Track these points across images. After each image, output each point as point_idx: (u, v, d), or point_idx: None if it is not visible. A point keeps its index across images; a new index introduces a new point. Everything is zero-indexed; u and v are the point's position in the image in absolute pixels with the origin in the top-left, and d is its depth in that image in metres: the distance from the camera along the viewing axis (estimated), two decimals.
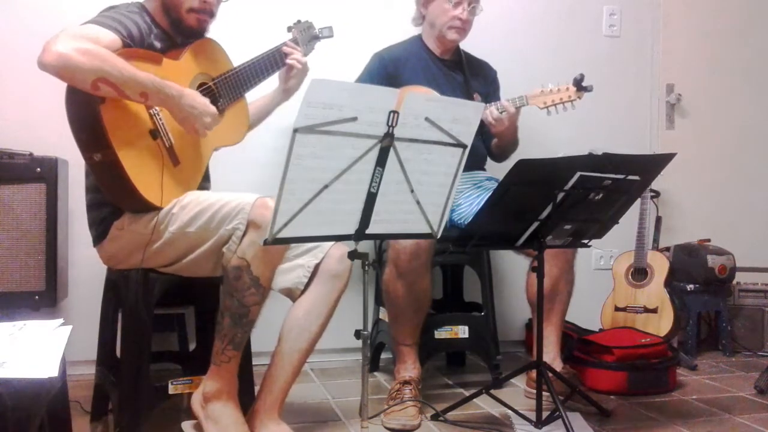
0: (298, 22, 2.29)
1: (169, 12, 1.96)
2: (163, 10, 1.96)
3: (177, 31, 1.99)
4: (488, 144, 2.66)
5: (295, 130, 1.37)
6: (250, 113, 2.16)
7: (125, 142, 1.76)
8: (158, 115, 1.84)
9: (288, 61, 2.18)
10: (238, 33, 2.39)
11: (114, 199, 1.86)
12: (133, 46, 1.82)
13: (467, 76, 2.64)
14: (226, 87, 2.03)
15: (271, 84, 2.27)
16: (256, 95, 2.27)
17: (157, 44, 1.92)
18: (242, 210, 1.76)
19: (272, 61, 2.15)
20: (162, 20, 1.97)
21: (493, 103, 2.45)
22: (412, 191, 1.60)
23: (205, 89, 1.97)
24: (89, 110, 1.73)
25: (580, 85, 2.38)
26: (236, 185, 2.17)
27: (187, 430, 1.86)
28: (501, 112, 2.41)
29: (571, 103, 2.40)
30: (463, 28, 2.57)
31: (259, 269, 1.74)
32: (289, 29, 2.26)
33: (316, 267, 1.91)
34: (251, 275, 1.74)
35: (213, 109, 1.88)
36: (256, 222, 1.74)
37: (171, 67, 1.89)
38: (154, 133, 1.83)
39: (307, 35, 2.28)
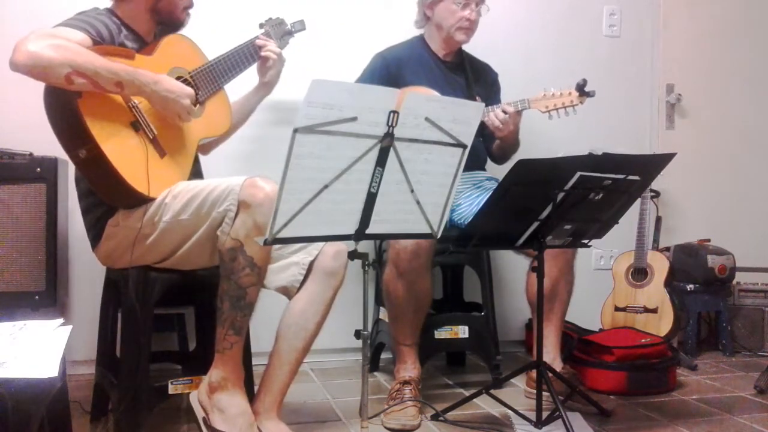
0: (270, 18, 2.33)
1: (160, 14, 2.02)
2: (149, 13, 2.00)
3: (166, 28, 2.05)
4: (489, 146, 2.66)
5: (295, 130, 1.37)
6: (233, 111, 2.19)
7: (107, 135, 1.77)
8: (137, 107, 1.86)
9: (262, 53, 2.23)
10: (214, 32, 2.40)
11: (105, 196, 1.87)
12: (103, 44, 1.84)
13: (469, 78, 2.64)
14: (203, 79, 2.05)
15: (251, 82, 2.30)
16: (237, 94, 2.29)
17: (129, 44, 1.95)
18: (232, 191, 1.77)
19: (247, 54, 2.19)
20: (135, 23, 1.99)
21: (496, 106, 2.45)
22: (412, 191, 1.60)
23: (182, 82, 1.98)
24: (67, 106, 1.74)
25: (582, 90, 2.38)
26: (217, 160, 2.25)
27: (194, 401, 1.85)
28: (506, 115, 2.40)
29: (573, 108, 2.40)
30: (471, 28, 2.57)
31: (252, 249, 1.75)
32: (261, 26, 2.31)
33: (311, 264, 1.91)
34: (245, 255, 1.75)
35: (190, 90, 1.91)
36: (247, 201, 1.75)
37: (144, 62, 1.90)
38: (136, 125, 1.85)
39: (279, 30, 2.33)
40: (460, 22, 2.54)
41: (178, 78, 1.97)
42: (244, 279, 1.77)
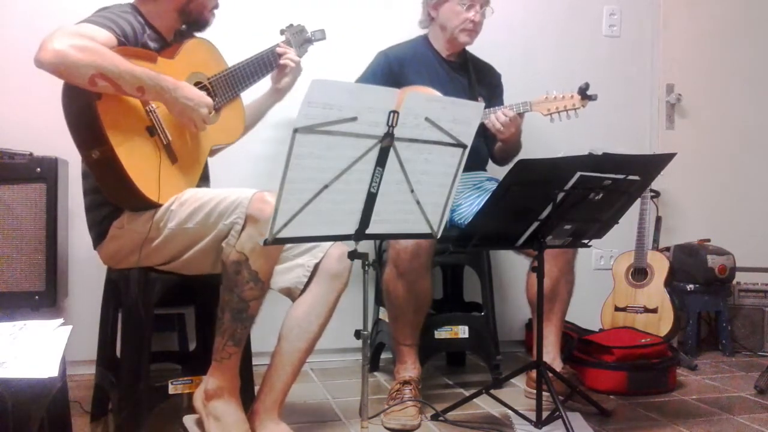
0: (291, 25, 2.31)
1: (190, 15, 2.01)
2: (177, 13, 2.00)
3: (191, 28, 2.06)
4: (491, 147, 2.66)
5: (295, 130, 1.37)
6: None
7: (122, 138, 1.77)
8: (154, 112, 1.85)
9: (282, 60, 2.21)
10: (233, 36, 2.40)
11: (113, 198, 1.87)
12: (127, 44, 1.84)
13: (472, 78, 2.64)
14: (221, 86, 2.05)
15: (264, 86, 2.29)
16: (250, 98, 2.28)
17: (151, 44, 1.94)
18: (240, 204, 1.77)
19: (267, 62, 2.18)
20: (159, 21, 1.98)
21: (497, 108, 2.44)
22: (412, 191, 1.60)
23: (200, 88, 1.97)
24: (86, 107, 1.74)
25: (584, 94, 2.37)
26: (231, 177, 2.20)
27: (189, 424, 1.86)
28: (507, 118, 2.40)
29: (575, 111, 2.40)
30: (475, 30, 2.57)
31: (257, 263, 1.75)
32: (282, 32, 2.29)
33: (316, 266, 1.91)
34: (250, 269, 1.75)
35: (209, 100, 1.91)
36: (254, 216, 1.74)
37: (166, 65, 1.90)
38: (151, 130, 1.85)
39: (299, 38, 2.31)
40: (464, 23, 2.54)
41: (197, 83, 1.97)
42: (248, 293, 1.76)
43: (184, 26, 2.06)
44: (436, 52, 2.65)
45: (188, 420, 1.86)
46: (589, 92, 2.37)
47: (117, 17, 1.86)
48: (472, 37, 2.58)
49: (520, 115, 2.42)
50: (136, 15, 1.94)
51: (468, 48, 2.71)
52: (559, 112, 2.40)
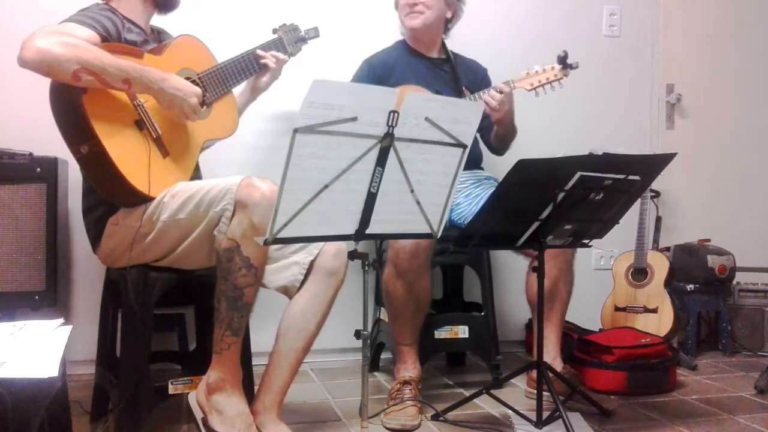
0: (284, 24, 2.33)
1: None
2: (144, 3, 2.03)
3: (163, 11, 2.09)
4: (487, 138, 2.66)
5: (296, 131, 1.37)
6: None
7: (111, 132, 1.78)
8: (142, 106, 1.86)
9: (262, 60, 2.21)
10: (226, 35, 2.41)
11: (105, 193, 1.88)
12: (110, 41, 1.86)
13: (456, 71, 2.65)
14: (211, 81, 2.06)
15: (278, 86, 2.30)
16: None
17: (134, 37, 1.96)
18: (229, 191, 1.77)
19: (255, 59, 2.20)
20: (134, 15, 2.01)
21: (491, 89, 2.44)
22: (412, 191, 1.60)
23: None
24: (72, 101, 1.75)
25: (564, 63, 2.38)
26: (223, 170, 2.20)
27: (193, 402, 1.85)
28: (499, 93, 2.40)
29: (558, 82, 2.41)
30: (414, 11, 2.56)
31: (249, 249, 1.75)
32: (275, 31, 2.30)
33: (312, 264, 1.91)
34: (242, 256, 1.75)
35: (197, 89, 1.92)
36: (243, 201, 1.75)
37: (153, 61, 1.91)
38: (140, 124, 1.86)
39: (292, 37, 2.33)
40: (404, 9, 2.58)
41: (186, 79, 1.97)
42: (241, 279, 1.77)
43: (156, 12, 2.08)
44: (416, 51, 2.67)
45: (192, 397, 1.86)
46: (569, 60, 2.37)
47: (97, 15, 1.88)
48: (417, 18, 2.56)
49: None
50: (113, 11, 1.96)
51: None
52: (542, 85, 2.43)
